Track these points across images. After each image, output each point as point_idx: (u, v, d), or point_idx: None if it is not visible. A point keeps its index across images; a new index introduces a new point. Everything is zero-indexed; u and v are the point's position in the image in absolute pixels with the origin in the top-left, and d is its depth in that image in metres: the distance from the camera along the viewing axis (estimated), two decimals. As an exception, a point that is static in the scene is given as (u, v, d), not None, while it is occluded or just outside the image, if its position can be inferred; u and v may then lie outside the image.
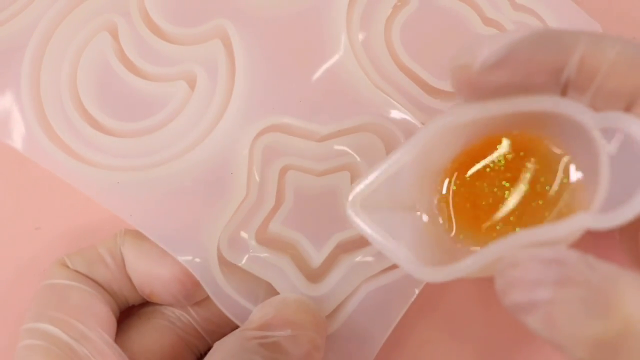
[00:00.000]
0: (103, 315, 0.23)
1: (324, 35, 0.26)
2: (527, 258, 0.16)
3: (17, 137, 0.24)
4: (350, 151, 0.25)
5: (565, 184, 0.18)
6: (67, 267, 0.23)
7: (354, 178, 0.25)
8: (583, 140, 0.17)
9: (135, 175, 0.24)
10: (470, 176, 0.19)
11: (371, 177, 0.19)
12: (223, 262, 0.23)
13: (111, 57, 0.25)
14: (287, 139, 0.25)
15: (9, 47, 0.25)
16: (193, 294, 0.23)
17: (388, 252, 0.18)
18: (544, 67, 0.18)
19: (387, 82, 0.26)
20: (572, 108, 0.17)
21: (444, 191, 0.19)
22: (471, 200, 0.19)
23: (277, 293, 0.23)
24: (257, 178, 0.24)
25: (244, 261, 0.23)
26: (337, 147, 0.25)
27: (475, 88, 0.18)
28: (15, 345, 0.23)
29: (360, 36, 0.26)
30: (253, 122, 0.25)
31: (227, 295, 0.23)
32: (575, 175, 0.18)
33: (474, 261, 0.17)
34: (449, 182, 0.19)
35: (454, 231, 0.19)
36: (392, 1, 0.26)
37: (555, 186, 0.18)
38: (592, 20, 0.28)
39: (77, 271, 0.23)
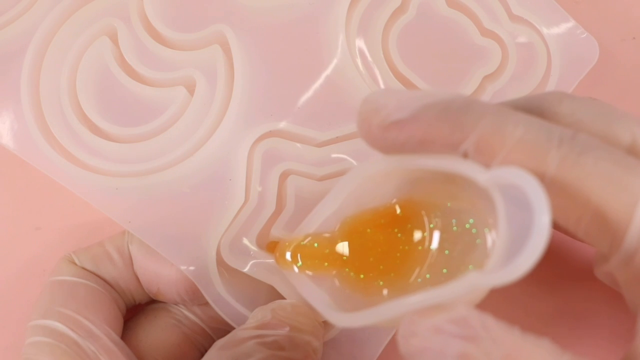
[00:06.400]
0: (110, 312, 0.23)
1: (322, 41, 0.26)
2: (426, 330, 0.16)
3: (16, 141, 0.24)
4: (348, 157, 0.25)
5: (467, 241, 0.18)
6: (74, 263, 0.24)
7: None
8: (485, 198, 0.17)
9: (134, 181, 0.24)
10: (372, 231, 0.20)
11: (301, 230, 0.21)
12: (223, 267, 0.24)
13: (111, 62, 0.25)
14: (286, 144, 0.25)
15: (8, 51, 0.25)
16: (199, 294, 0.23)
17: (307, 295, 0.20)
18: (439, 141, 0.17)
19: (384, 90, 0.26)
20: (469, 169, 0.17)
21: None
22: (373, 254, 0.20)
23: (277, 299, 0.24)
24: (257, 183, 0.24)
25: (247, 267, 0.23)
26: (335, 153, 0.25)
27: (375, 140, 0.18)
28: (17, 345, 0.23)
29: (358, 43, 0.26)
30: (252, 128, 0.25)
31: (226, 302, 0.23)
32: (479, 233, 0.18)
33: (370, 315, 0.17)
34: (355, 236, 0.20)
35: (366, 280, 0.20)
36: (390, 9, 0.26)
37: (457, 244, 0.18)
38: (589, 36, 0.28)
39: (84, 268, 0.24)
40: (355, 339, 0.24)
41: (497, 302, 0.20)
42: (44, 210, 0.27)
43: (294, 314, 0.22)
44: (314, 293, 0.20)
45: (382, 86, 0.26)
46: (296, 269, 0.21)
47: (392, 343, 0.25)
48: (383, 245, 0.20)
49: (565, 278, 0.26)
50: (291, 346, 0.21)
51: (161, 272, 0.24)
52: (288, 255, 0.21)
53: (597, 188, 0.16)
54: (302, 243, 0.21)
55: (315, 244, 0.20)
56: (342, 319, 0.18)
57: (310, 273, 0.20)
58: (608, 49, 0.29)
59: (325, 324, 0.23)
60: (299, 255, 0.21)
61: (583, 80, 0.27)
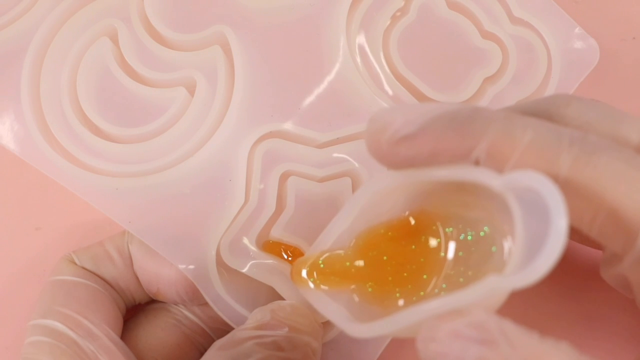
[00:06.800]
0: (110, 312, 0.23)
1: (323, 42, 0.26)
2: (445, 335, 0.16)
3: (16, 142, 0.24)
4: (349, 158, 0.25)
5: (483, 250, 0.18)
6: (74, 263, 0.24)
7: (355, 184, 0.25)
8: (498, 205, 0.17)
9: (134, 182, 0.24)
10: (386, 244, 0.20)
11: (315, 247, 0.21)
12: (223, 267, 0.24)
13: (111, 63, 0.25)
14: (287, 145, 0.25)
15: (9, 52, 0.25)
16: (199, 294, 0.23)
17: (324, 311, 0.20)
18: (449, 151, 0.18)
19: (384, 91, 0.26)
20: (482, 175, 0.17)
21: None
22: (389, 267, 0.20)
23: (277, 300, 0.24)
24: (257, 184, 0.24)
25: (246, 268, 0.23)
26: (336, 154, 0.25)
27: (385, 156, 0.19)
28: (16, 345, 0.23)
29: (359, 44, 0.26)
30: (252, 129, 0.25)
31: (225, 303, 0.23)
32: (495, 241, 0.18)
33: (390, 323, 0.17)
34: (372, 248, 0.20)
35: (383, 294, 0.20)
36: (391, 11, 0.27)
37: (472, 253, 0.19)
38: (589, 37, 0.28)
39: (84, 268, 0.24)
40: (355, 340, 0.24)
41: (512, 304, 0.20)
42: (44, 210, 0.27)
43: (293, 315, 0.22)
44: (332, 308, 0.20)
45: (383, 87, 0.26)
46: (312, 286, 0.20)
47: (392, 344, 0.25)
48: (398, 258, 0.20)
49: (577, 280, 0.26)
50: (290, 347, 0.21)
51: (161, 272, 0.24)
52: (304, 273, 0.21)
53: (610, 187, 0.17)
54: (317, 260, 0.21)
55: (331, 261, 0.21)
56: (361, 330, 0.18)
57: (327, 289, 0.20)
58: (608, 49, 0.29)
59: (325, 325, 0.24)
60: (315, 273, 0.21)
61: (583, 81, 0.27)
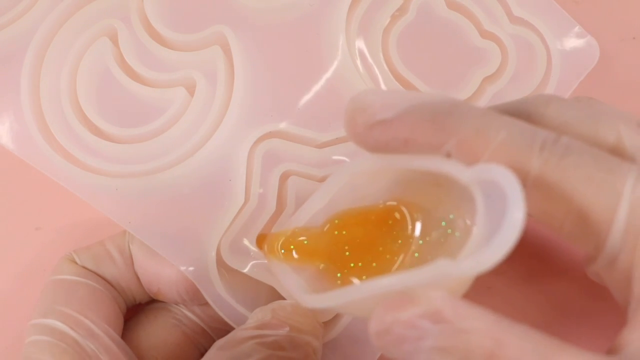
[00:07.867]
0: (110, 311, 0.23)
1: (322, 42, 0.26)
2: (400, 326, 0.15)
3: (16, 142, 0.24)
4: (349, 159, 0.25)
5: (450, 244, 0.18)
6: (75, 263, 0.24)
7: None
8: (468, 200, 0.17)
9: (134, 182, 0.24)
10: (358, 229, 0.20)
11: (289, 223, 0.21)
12: (223, 268, 0.24)
13: (111, 63, 0.25)
14: (286, 145, 0.25)
15: (8, 52, 0.25)
16: (199, 294, 0.23)
17: (284, 280, 0.20)
18: (422, 142, 0.18)
19: (384, 91, 0.26)
20: (450, 167, 0.17)
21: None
22: (357, 251, 0.20)
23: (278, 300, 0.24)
24: (258, 184, 0.24)
25: (247, 268, 0.23)
26: (335, 154, 0.25)
27: (360, 138, 0.19)
28: (16, 345, 0.23)
29: (358, 44, 0.26)
30: (252, 129, 0.25)
31: (226, 303, 0.23)
32: (463, 236, 0.18)
33: (339, 295, 0.17)
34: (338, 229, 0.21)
35: (348, 276, 0.20)
36: (390, 11, 0.27)
37: (439, 247, 0.19)
38: (589, 36, 0.28)
39: (84, 267, 0.24)
40: (355, 340, 0.24)
41: (493, 301, 0.20)
42: (44, 210, 0.27)
43: (294, 314, 0.22)
44: (292, 280, 0.20)
45: (382, 87, 0.26)
46: (280, 259, 0.21)
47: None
48: (367, 243, 0.20)
49: (557, 275, 0.26)
50: (291, 346, 0.21)
51: (161, 272, 0.24)
52: (275, 248, 0.21)
53: (578, 190, 0.17)
54: (289, 236, 0.21)
55: (302, 238, 0.21)
56: (311, 300, 0.19)
57: (294, 264, 0.21)
58: (608, 49, 0.29)
59: (325, 325, 0.24)
60: (289, 247, 0.21)
61: (583, 81, 0.27)
